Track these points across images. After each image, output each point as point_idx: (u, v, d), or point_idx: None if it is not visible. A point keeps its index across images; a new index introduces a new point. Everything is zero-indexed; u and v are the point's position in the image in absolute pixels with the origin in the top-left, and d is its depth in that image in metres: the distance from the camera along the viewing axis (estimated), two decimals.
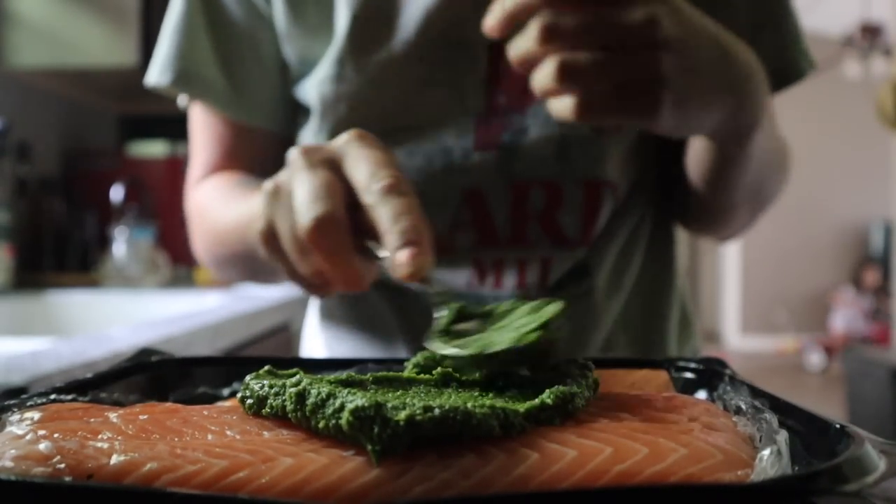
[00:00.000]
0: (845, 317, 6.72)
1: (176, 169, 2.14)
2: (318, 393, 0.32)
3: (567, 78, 0.49)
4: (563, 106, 0.51)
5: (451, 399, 0.36)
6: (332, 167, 0.46)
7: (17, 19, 1.84)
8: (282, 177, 0.49)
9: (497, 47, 0.68)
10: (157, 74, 0.76)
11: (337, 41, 0.70)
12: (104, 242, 1.92)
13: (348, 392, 0.32)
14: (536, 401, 0.34)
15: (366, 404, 0.30)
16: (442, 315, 0.43)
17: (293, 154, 0.48)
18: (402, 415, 0.30)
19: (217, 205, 0.73)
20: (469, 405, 0.31)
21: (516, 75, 0.68)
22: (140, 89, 2.16)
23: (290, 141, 0.79)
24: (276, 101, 0.77)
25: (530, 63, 0.51)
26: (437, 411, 0.30)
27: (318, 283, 0.50)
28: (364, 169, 0.45)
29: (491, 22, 0.52)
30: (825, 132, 7.27)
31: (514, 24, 0.51)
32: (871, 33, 5.50)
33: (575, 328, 0.73)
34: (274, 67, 0.76)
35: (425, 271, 0.42)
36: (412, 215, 0.43)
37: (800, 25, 0.75)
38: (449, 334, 0.42)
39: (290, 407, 0.33)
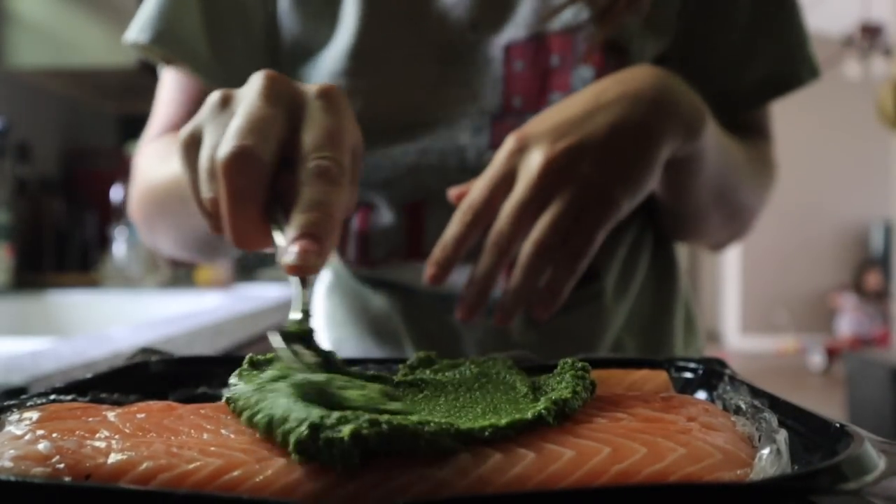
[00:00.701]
0: (851, 321, 6.71)
1: None
2: (268, 415, 0.31)
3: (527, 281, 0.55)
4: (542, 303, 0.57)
5: (429, 404, 0.35)
6: (288, 109, 0.43)
7: (17, 19, 1.84)
8: (234, 92, 0.45)
9: (512, 48, 0.69)
10: (137, 31, 0.72)
11: (353, 35, 0.69)
12: (104, 242, 1.92)
13: (303, 406, 0.31)
14: (529, 414, 0.32)
15: (304, 433, 0.28)
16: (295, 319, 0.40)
17: (258, 76, 0.44)
18: (346, 430, 0.28)
19: (159, 158, 0.70)
20: (436, 417, 0.31)
21: (531, 77, 0.69)
22: (140, 89, 2.17)
23: None
24: (257, 67, 0.75)
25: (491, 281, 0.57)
26: (384, 426, 0.28)
27: (214, 214, 0.44)
28: (313, 136, 0.42)
29: (430, 272, 0.57)
30: (825, 132, 7.27)
31: (452, 269, 0.57)
32: (871, 33, 5.50)
33: (584, 332, 0.73)
34: (260, 45, 0.74)
35: (309, 271, 0.39)
36: (329, 209, 0.40)
37: (805, 32, 0.74)
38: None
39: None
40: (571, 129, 0.56)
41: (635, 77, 0.59)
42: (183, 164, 0.45)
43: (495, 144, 0.70)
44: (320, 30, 0.72)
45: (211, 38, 0.72)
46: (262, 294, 1.71)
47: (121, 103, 2.38)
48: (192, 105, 0.74)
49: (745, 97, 0.75)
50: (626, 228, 0.75)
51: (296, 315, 0.40)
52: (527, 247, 0.55)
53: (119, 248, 1.83)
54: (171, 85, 0.76)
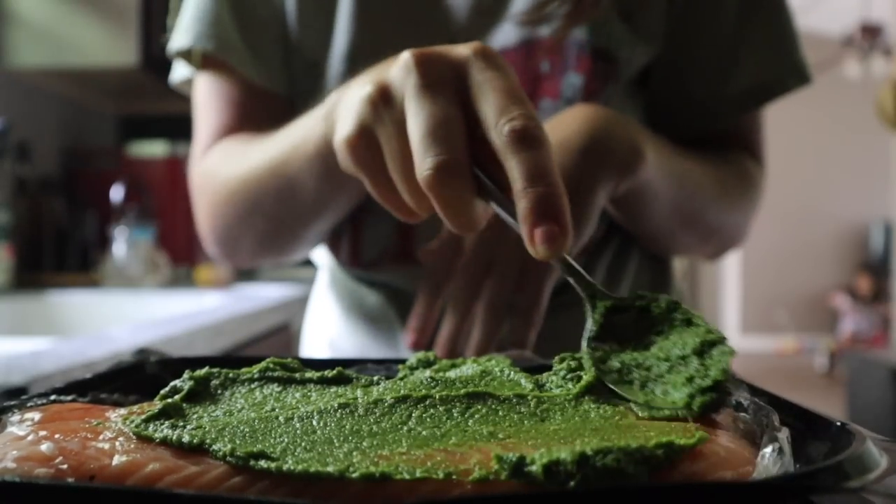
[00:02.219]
0: (849, 322, 6.70)
1: (176, 169, 2.14)
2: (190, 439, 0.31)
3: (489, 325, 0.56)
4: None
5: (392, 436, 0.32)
6: (455, 91, 0.41)
7: (18, 19, 1.83)
8: (391, 80, 0.43)
9: (502, 54, 0.69)
10: (179, 39, 0.73)
11: (346, 40, 0.70)
12: (104, 242, 1.92)
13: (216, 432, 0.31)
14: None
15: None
16: (592, 320, 0.39)
17: (408, 59, 0.42)
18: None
19: (237, 153, 0.69)
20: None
21: (522, 82, 0.69)
22: (140, 89, 2.17)
23: (297, 106, 0.77)
24: (286, 65, 0.75)
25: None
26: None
27: (412, 213, 0.45)
28: (494, 101, 0.39)
29: (411, 340, 0.58)
30: (825, 132, 7.27)
31: (430, 333, 0.58)
32: (871, 33, 5.50)
33: (572, 335, 0.73)
34: (284, 33, 0.74)
35: (563, 254, 0.37)
36: (549, 178, 0.37)
37: (794, 37, 0.74)
38: (603, 338, 0.38)
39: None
40: None
41: (564, 124, 0.59)
42: (356, 167, 0.45)
43: None
44: (319, 34, 0.72)
45: (244, 33, 0.73)
46: (262, 294, 1.71)
47: (121, 103, 2.38)
48: (234, 108, 0.74)
49: (730, 105, 0.75)
50: (610, 234, 0.75)
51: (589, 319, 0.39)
52: (480, 311, 0.57)
53: (119, 248, 1.83)
54: (208, 93, 0.76)
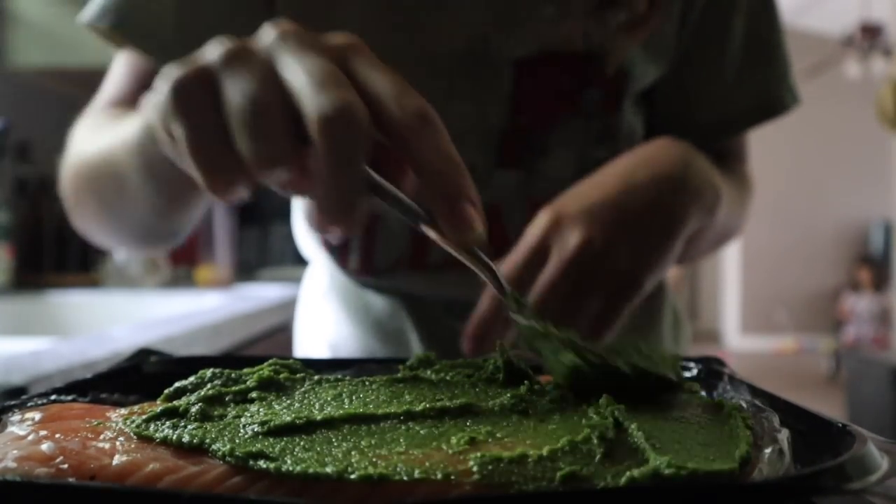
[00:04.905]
0: (853, 325, 6.68)
1: None
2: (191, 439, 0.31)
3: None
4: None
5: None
6: (337, 62, 0.36)
7: (18, 19, 1.83)
8: (253, 42, 0.36)
9: (522, 65, 0.68)
10: (96, 14, 0.64)
11: None
12: None
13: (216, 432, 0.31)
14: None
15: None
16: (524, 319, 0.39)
17: (275, 25, 0.36)
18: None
19: (95, 129, 0.64)
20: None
21: (540, 95, 0.69)
22: None
23: None
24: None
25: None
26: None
27: (240, 174, 0.35)
28: (386, 81, 0.35)
29: (468, 347, 0.56)
30: (825, 132, 7.27)
31: (490, 342, 0.56)
32: (871, 33, 5.50)
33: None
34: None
35: (479, 236, 0.35)
36: (458, 159, 0.35)
37: (789, 61, 0.76)
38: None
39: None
40: (605, 212, 0.56)
41: (662, 157, 0.59)
42: (177, 109, 0.35)
43: (505, 162, 0.70)
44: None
45: (178, 28, 0.65)
46: (262, 294, 1.71)
47: None
48: (140, 82, 0.68)
49: (734, 122, 0.76)
50: None
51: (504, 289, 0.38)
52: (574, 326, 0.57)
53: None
54: (124, 61, 0.71)
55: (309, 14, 0.70)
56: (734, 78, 0.75)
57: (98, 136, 0.62)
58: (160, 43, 0.64)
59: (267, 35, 0.36)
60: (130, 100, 0.68)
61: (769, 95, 0.75)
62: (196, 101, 0.35)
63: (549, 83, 0.68)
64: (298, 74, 0.34)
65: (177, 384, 0.38)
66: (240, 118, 0.34)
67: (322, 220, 0.34)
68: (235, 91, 0.34)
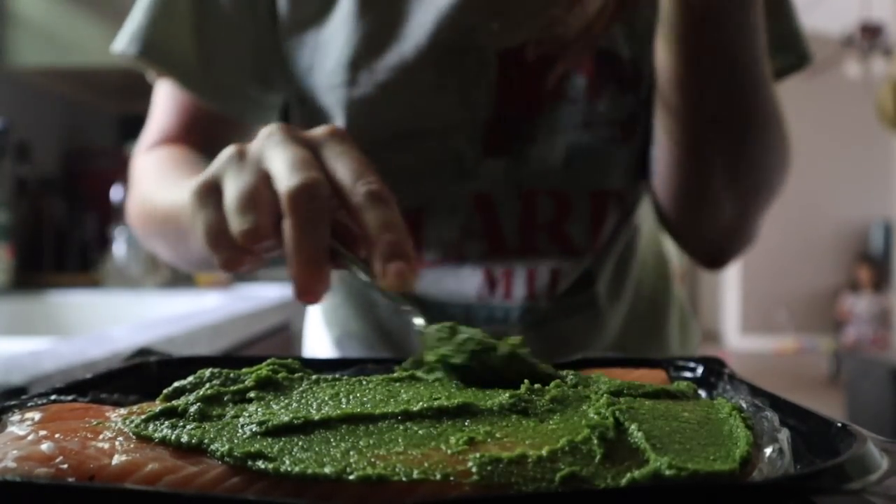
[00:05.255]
0: (854, 326, 6.68)
1: None
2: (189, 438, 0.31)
3: None
4: None
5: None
6: (312, 152, 0.45)
7: (18, 19, 1.84)
8: (250, 145, 0.46)
9: (507, 54, 0.68)
10: (126, 43, 0.73)
11: (345, 46, 0.69)
12: (104, 242, 1.92)
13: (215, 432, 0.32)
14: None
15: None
16: (423, 325, 0.45)
17: (268, 128, 0.46)
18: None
19: (157, 176, 0.71)
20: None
21: (526, 83, 0.69)
22: (140, 89, 2.17)
23: (291, 110, 0.78)
24: (248, 91, 0.75)
25: None
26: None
27: (238, 254, 0.45)
28: (349, 166, 0.44)
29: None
30: (825, 132, 7.27)
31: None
32: (871, 33, 5.50)
33: (581, 336, 0.73)
34: (250, 58, 0.74)
35: (409, 288, 0.42)
36: (400, 227, 0.42)
37: (796, 23, 0.73)
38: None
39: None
40: None
41: None
42: (197, 208, 0.46)
43: (490, 151, 0.70)
44: (316, 42, 0.71)
45: (201, 51, 0.73)
46: (262, 294, 1.71)
47: (121, 103, 2.38)
48: (185, 115, 0.76)
49: None
50: (619, 230, 0.75)
51: (420, 321, 0.45)
52: None
53: (119, 248, 1.83)
54: (165, 93, 0.77)
55: (305, 16, 0.71)
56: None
57: (162, 186, 0.69)
58: (185, 68, 0.73)
59: (260, 135, 0.46)
60: (178, 135, 0.76)
61: (795, 48, 0.72)
62: (205, 201, 0.45)
63: (534, 71, 0.69)
64: (278, 163, 0.43)
65: (175, 384, 0.38)
66: (233, 205, 0.43)
67: (296, 288, 0.42)
68: (231, 187, 0.44)
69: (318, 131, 0.46)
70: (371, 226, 0.42)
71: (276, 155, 0.44)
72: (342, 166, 0.44)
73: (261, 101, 0.76)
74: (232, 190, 0.44)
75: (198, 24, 0.73)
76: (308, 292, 0.42)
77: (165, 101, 0.77)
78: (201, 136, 0.76)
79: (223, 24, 0.73)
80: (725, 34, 0.59)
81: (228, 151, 0.46)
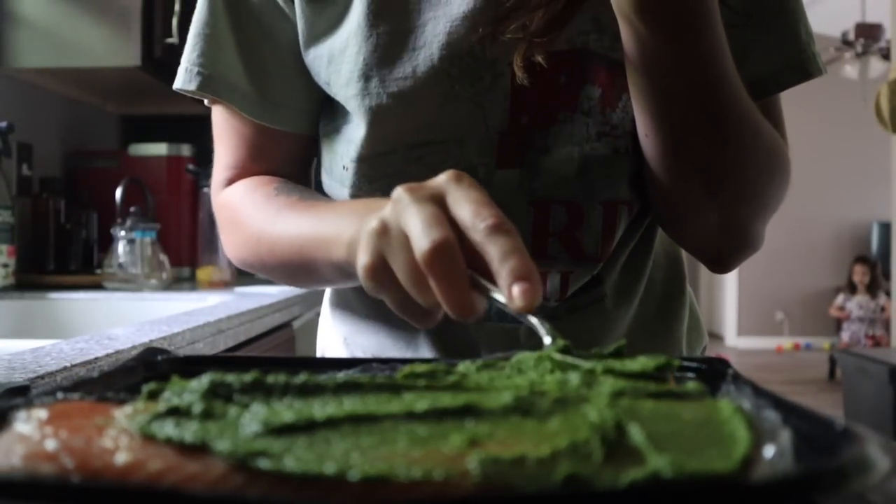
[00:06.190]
0: (851, 327, 6.67)
1: (178, 170, 2.14)
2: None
3: None
4: None
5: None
6: (438, 203, 0.48)
7: (19, 20, 1.84)
8: (386, 213, 0.50)
9: (521, 65, 0.68)
10: (183, 80, 0.76)
11: (358, 56, 0.69)
12: (106, 243, 1.92)
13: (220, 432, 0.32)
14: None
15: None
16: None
17: (398, 192, 0.50)
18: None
19: (263, 215, 0.73)
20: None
21: (539, 94, 0.68)
22: (142, 90, 2.17)
23: (314, 140, 0.79)
24: (298, 103, 0.77)
25: None
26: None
27: (429, 312, 0.51)
28: (468, 208, 0.47)
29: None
30: (825, 132, 7.27)
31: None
32: (868, 35, 5.50)
33: (588, 336, 0.74)
34: (295, 68, 0.75)
35: (535, 306, 0.44)
36: (520, 253, 0.45)
37: (805, 29, 0.72)
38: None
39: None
40: None
41: None
42: (376, 289, 0.51)
43: (503, 162, 0.70)
44: (330, 53, 0.72)
45: (251, 74, 0.75)
46: (262, 294, 1.71)
47: (122, 104, 2.38)
48: (248, 145, 0.78)
49: (764, 82, 0.71)
50: (629, 235, 0.75)
51: (548, 340, 0.46)
52: None
53: (121, 248, 1.83)
54: (224, 126, 0.79)
55: (319, 29, 0.71)
56: (738, 53, 0.69)
57: (273, 225, 0.71)
58: (241, 93, 0.75)
59: (392, 199, 0.50)
60: (248, 165, 0.79)
61: (777, 66, 0.71)
62: (380, 280, 0.50)
63: (548, 82, 0.68)
64: (411, 227, 0.47)
65: (151, 385, 0.38)
66: (409, 283, 0.48)
67: (453, 314, 0.47)
68: (397, 264, 0.49)
69: (440, 179, 0.50)
70: (493, 258, 0.45)
71: (408, 218, 0.48)
72: (462, 210, 0.47)
73: (312, 110, 0.78)
74: (400, 267, 0.49)
75: (242, 49, 0.75)
76: (464, 317, 0.47)
77: (227, 134, 0.79)
78: (272, 159, 0.78)
79: (261, 38, 0.75)
80: (681, 59, 0.59)
81: (371, 224, 0.50)
